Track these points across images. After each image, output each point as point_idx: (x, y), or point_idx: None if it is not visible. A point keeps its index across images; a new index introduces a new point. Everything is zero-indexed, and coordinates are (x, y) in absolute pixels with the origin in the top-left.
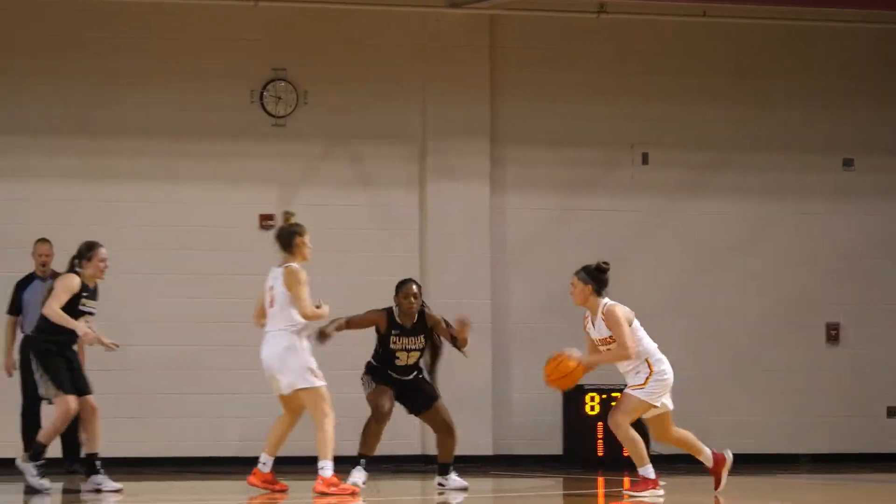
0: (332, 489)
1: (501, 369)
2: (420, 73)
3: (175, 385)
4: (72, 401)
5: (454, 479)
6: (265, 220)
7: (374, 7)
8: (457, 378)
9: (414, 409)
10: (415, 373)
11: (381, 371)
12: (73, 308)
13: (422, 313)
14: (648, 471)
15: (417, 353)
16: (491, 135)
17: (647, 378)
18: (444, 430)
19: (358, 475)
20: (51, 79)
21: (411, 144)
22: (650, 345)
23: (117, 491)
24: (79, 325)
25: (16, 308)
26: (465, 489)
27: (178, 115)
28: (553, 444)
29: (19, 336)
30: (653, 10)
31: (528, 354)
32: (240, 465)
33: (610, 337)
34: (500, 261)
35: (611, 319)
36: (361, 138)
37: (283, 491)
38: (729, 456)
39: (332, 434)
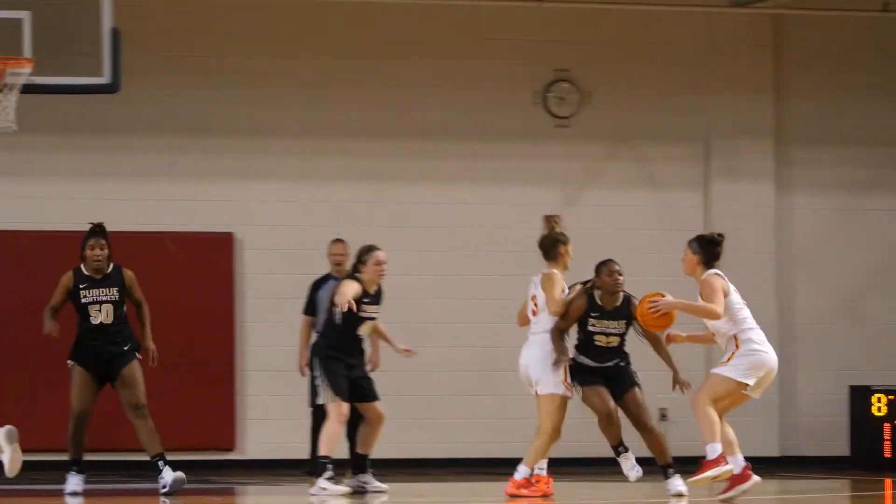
0: (522, 490)
1: (787, 369)
2: (704, 73)
3: (463, 386)
4: (345, 408)
5: (674, 483)
6: (549, 221)
7: (657, 7)
8: None
9: (613, 395)
10: (616, 360)
11: (583, 368)
12: (353, 314)
13: (627, 299)
14: (715, 448)
15: (618, 338)
16: (775, 135)
17: (732, 355)
18: (639, 427)
19: (627, 464)
20: (340, 82)
21: (696, 145)
22: (744, 323)
23: (382, 492)
24: (345, 297)
25: (311, 308)
26: (680, 495)
27: (461, 116)
28: (840, 446)
29: (313, 336)
30: None
31: (814, 355)
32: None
33: None
34: (785, 261)
35: (705, 287)
36: (645, 139)
37: (546, 496)
38: (756, 479)
39: (544, 447)
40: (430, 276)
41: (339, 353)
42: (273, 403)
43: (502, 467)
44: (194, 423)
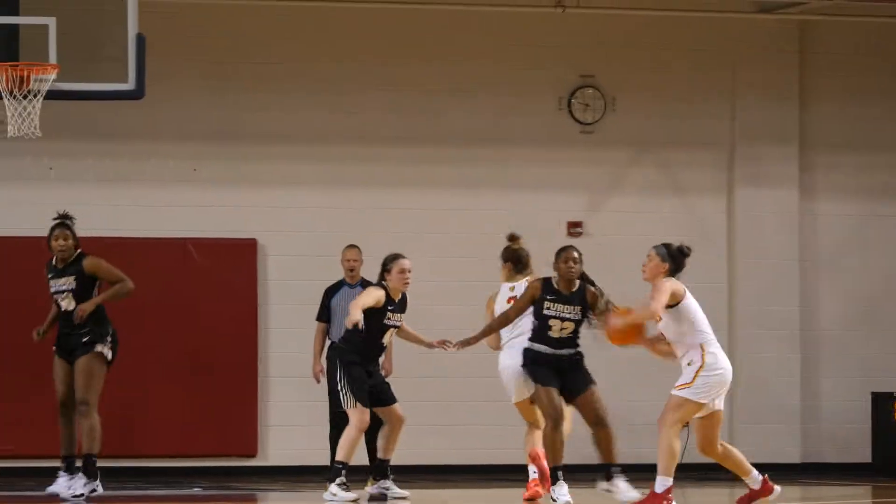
0: (540, 490)
1: (810, 376)
2: (729, 78)
3: (481, 392)
4: (366, 414)
5: (621, 485)
6: (573, 226)
7: (682, 13)
8: (765, 384)
9: (567, 394)
10: (570, 351)
11: (537, 355)
12: (379, 322)
13: (583, 286)
14: (665, 483)
15: (572, 324)
16: (800, 140)
17: (696, 373)
18: (596, 423)
19: (561, 490)
20: (363, 88)
21: (720, 151)
22: (707, 333)
23: (403, 498)
24: (357, 314)
25: (325, 315)
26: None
27: (486, 122)
28: (862, 452)
29: (327, 343)
30: None
31: (836, 361)
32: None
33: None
34: (809, 267)
35: (655, 286)
36: (669, 145)
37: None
38: (777, 490)
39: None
40: (452, 282)
41: (360, 359)
42: (295, 410)
43: (521, 473)
44: (216, 429)
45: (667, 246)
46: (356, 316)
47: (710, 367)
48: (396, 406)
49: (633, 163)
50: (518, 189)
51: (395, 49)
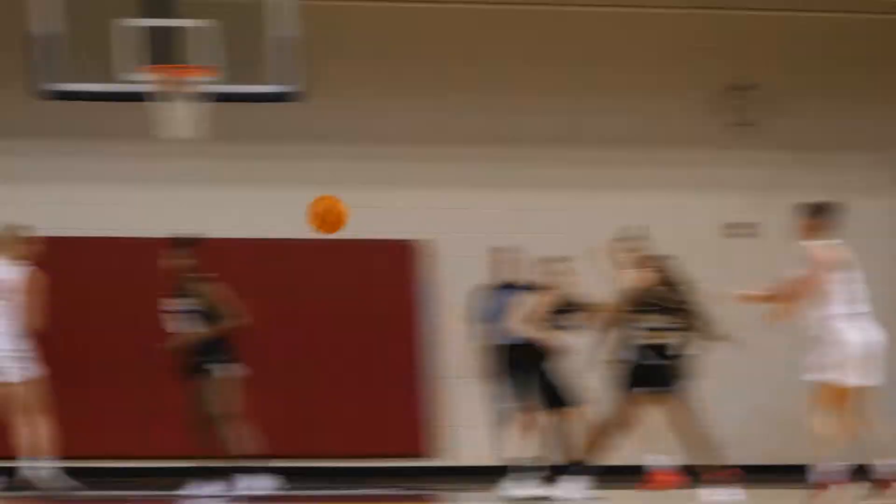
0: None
1: None
2: (889, 79)
3: None
4: (537, 415)
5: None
6: (730, 228)
7: (841, 14)
8: None
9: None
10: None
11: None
12: (554, 325)
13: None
14: (826, 470)
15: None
16: None
17: (822, 352)
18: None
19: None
20: (521, 90)
21: (883, 153)
22: (839, 308)
23: (592, 499)
24: (550, 335)
25: (482, 315)
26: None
27: (643, 123)
28: None
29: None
30: None
31: None
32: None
33: None
34: None
35: (811, 257)
36: (829, 147)
37: None
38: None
39: None
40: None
41: (531, 362)
42: (472, 410)
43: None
44: (393, 429)
45: (814, 204)
46: (555, 339)
47: (832, 342)
48: (579, 408)
49: (792, 164)
50: (674, 190)
51: (555, 52)
